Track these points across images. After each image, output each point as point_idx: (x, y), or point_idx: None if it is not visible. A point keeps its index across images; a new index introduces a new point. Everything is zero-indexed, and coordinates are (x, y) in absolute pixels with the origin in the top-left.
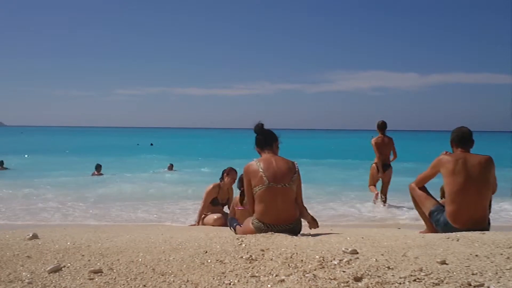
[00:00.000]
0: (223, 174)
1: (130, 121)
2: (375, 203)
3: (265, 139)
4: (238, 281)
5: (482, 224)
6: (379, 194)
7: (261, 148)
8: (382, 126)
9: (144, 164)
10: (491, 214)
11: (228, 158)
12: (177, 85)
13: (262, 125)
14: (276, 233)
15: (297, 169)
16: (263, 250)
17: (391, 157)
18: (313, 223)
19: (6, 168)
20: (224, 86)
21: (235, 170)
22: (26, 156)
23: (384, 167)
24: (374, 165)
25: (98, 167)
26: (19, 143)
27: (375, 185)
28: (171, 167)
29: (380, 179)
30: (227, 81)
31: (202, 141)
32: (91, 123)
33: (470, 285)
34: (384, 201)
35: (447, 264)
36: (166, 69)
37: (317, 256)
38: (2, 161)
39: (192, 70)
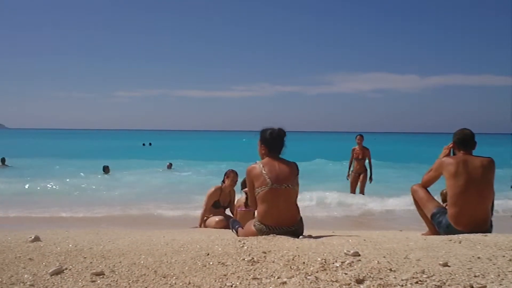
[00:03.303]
0: (224, 176)
1: (131, 123)
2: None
3: (280, 144)
4: (240, 283)
5: (484, 226)
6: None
7: (270, 149)
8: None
9: (144, 163)
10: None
11: (227, 159)
12: (177, 87)
13: (285, 132)
14: (278, 235)
15: (298, 170)
16: (265, 252)
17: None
18: None
19: (7, 166)
20: (224, 88)
21: (235, 172)
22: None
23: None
24: (352, 173)
25: (106, 168)
26: (21, 146)
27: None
28: (170, 166)
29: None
30: (226, 82)
31: (202, 143)
32: (92, 125)
33: (472, 287)
34: None
35: (449, 266)
36: (166, 71)
37: (319, 258)
38: (3, 158)
39: (192, 72)
